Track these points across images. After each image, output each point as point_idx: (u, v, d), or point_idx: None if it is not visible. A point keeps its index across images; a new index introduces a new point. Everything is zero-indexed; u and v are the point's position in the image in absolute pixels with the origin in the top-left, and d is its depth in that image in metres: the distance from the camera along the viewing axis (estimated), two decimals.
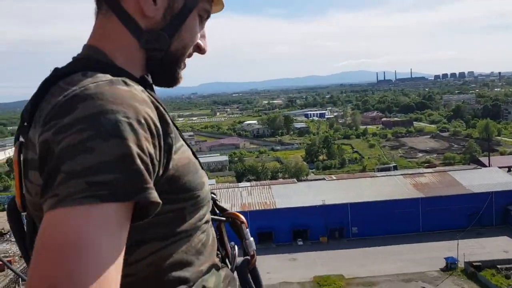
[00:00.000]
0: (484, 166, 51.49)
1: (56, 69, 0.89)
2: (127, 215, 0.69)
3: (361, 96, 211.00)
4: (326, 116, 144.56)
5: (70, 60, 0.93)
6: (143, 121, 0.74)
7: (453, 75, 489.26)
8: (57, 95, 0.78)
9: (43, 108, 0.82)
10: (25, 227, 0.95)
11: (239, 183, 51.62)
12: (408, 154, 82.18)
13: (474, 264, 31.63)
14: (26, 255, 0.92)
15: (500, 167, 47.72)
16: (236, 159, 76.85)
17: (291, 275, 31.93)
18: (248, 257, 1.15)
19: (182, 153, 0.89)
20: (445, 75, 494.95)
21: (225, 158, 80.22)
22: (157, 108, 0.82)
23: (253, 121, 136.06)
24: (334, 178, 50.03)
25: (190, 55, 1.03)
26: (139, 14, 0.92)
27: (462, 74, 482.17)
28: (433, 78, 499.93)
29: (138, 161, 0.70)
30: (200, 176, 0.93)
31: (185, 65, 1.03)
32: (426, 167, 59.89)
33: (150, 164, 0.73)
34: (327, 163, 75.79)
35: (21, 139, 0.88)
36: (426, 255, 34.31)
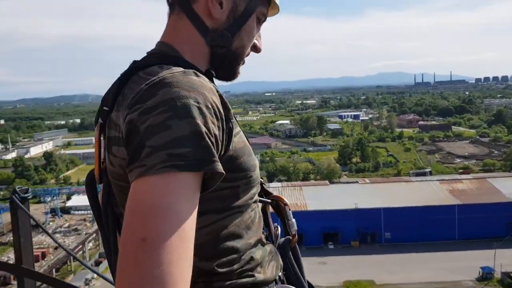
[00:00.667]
0: None
1: (134, 62, 1.04)
2: (198, 184, 0.82)
3: (397, 98, 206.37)
4: (360, 118, 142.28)
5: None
6: (210, 106, 0.86)
7: (495, 78, 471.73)
8: (139, 83, 0.91)
9: (127, 94, 0.96)
10: (99, 197, 1.11)
11: (270, 183, 51.55)
12: (445, 159, 79.90)
13: None
14: (100, 221, 1.08)
15: None
16: (267, 159, 76.78)
17: (320, 279, 31.61)
18: (290, 237, 1.25)
19: (240, 137, 1.02)
20: (486, 78, 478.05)
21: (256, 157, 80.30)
22: (220, 96, 0.93)
23: (286, 121, 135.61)
24: (368, 181, 49.30)
25: (248, 54, 1.16)
26: (207, 16, 1.06)
27: (505, 78, 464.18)
28: (474, 81, 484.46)
29: (206, 138, 0.82)
30: (253, 159, 1.06)
31: (244, 62, 1.16)
32: (461, 173, 58.02)
33: (215, 143, 0.85)
34: (361, 165, 74.68)
35: (100, 121, 1.04)
36: (461, 264, 33.33)
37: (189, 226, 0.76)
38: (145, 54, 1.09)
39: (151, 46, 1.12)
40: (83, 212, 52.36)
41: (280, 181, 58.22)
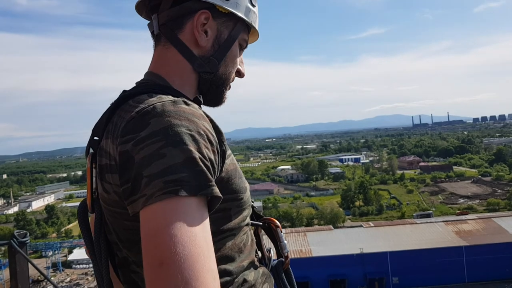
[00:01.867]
0: None
1: (124, 91, 1.07)
2: (201, 205, 0.84)
3: (396, 140, 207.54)
4: (361, 161, 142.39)
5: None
6: (202, 132, 0.89)
7: (492, 117, 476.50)
8: (129, 111, 0.94)
9: (116, 121, 0.98)
10: (91, 225, 1.12)
11: None
12: (448, 200, 79.23)
13: None
14: (91, 247, 1.08)
15: None
16: (270, 205, 76.20)
17: None
18: (283, 259, 1.26)
19: (231, 160, 1.05)
20: (484, 118, 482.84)
21: (259, 204, 79.79)
22: (211, 121, 0.97)
23: (287, 166, 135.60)
24: (372, 225, 48.57)
25: (233, 79, 1.21)
26: (193, 44, 1.12)
27: (502, 117, 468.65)
28: (471, 121, 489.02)
29: (201, 164, 0.85)
30: (243, 181, 1.09)
31: (230, 87, 1.21)
32: (458, 214, 57.11)
33: (211, 167, 0.88)
34: (364, 209, 73.97)
35: (91, 150, 1.05)
36: None
37: (203, 241, 0.78)
38: (134, 84, 1.11)
39: None
40: (84, 266, 51.38)
41: (283, 227, 57.40)
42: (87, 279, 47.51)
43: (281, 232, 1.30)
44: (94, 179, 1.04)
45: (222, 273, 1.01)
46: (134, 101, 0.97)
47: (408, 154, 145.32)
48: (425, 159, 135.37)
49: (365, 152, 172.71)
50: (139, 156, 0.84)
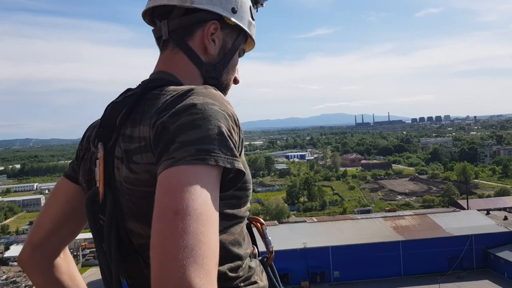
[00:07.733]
0: (463, 208, 51.93)
1: (142, 83, 1.15)
2: (218, 179, 0.90)
3: (340, 138, 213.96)
4: (306, 158, 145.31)
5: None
6: (231, 114, 0.98)
7: (430, 118, 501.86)
8: (159, 98, 1.03)
9: (145, 109, 1.05)
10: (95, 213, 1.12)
11: None
12: (387, 197, 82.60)
13: None
14: (98, 239, 1.10)
15: (478, 210, 48.20)
16: None
17: None
18: (267, 255, 1.31)
19: (243, 151, 1.08)
20: (422, 119, 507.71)
21: None
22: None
23: None
24: (315, 220, 49.63)
25: (230, 86, 1.32)
26: (202, 51, 1.21)
27: (438, 118, 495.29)
28: (410, 121, 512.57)
29: (229, 140, 0.92)
30: (249, 174, 1.13)
31: (226, 94, 1.30)
32: (387, 211, 59.41)
33: (235, 147, 0.95)
34: (308, 205, 75.47)
35: (99, 141, 1.10)
36: None
37: (215, 208, 0.84)
38: (141, 82, 1.17)
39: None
40: None
41: None
42: (25, 276, 45.14)
43: (266, 229, 1.35)
44: (104, 168, 1.07)
45: (236, 257, 1.08)
46: (161, 90, 1.06)
47: (351, 152, 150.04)
48: (366, 157, 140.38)
49: (310, 149, 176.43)
50: (174, 125, 0.91)
